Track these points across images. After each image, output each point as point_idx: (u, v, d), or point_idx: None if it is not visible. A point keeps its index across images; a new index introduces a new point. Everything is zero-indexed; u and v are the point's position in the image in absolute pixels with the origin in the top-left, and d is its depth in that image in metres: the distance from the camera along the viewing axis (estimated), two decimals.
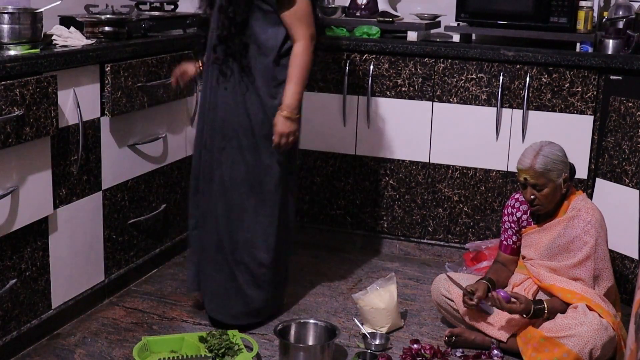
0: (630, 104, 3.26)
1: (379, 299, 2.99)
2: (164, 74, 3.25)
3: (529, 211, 2.93)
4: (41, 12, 2.79)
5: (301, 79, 2.81)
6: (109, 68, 2.95)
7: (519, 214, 2.96)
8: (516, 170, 2.84)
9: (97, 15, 3.16)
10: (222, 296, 2.98)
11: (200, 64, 3.04)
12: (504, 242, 3.02)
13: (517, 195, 3.00)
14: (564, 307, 2.75)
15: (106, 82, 2.96)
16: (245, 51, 2.81)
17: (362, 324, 2.99)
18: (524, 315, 2.73)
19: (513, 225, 2.98)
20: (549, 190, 2.77)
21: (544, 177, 2.75)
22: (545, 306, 2.73)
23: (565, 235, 2.80)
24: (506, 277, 2.98)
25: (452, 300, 2.94)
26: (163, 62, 3.28)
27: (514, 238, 2.99)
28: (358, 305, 3.02)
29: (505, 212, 3.01)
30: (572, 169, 2.86)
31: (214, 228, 2.95)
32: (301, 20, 2.79)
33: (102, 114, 3.03)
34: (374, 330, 2.96)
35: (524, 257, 2.95)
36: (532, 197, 2.80)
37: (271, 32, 2.82)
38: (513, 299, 2.72)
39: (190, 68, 3.10)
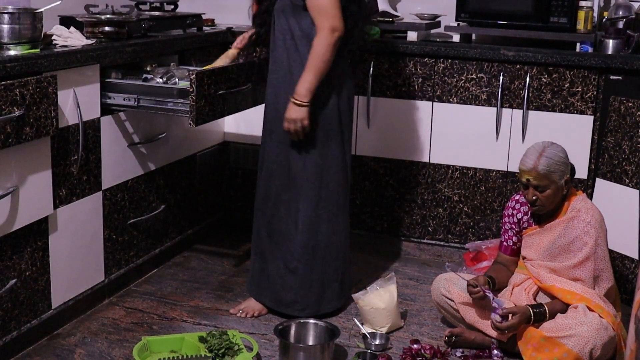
0: (630, 104, 3.26)
1: (379, 299, 2.99)
2: (242, 81, 3.18)
3: (529, 212, 2.93)
4: (41, 12, 2.79)
5: (315, 68, 2.83)
6: (193, 76, 2.79)
7: (519, 215, 2.96)
8: (517, 171, 2.84)
9: (97, 15, 3.15)
10: (257, 280, 3.13)
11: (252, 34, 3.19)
12: (504, 242, 3.02)
13: (517, 197, 2.99)
14: (565, 309, 2.75)
15: (191, 90, 2.83)
16: (265, 63, 2.97)
17: (362, 324, 2.98)
18: (527, 322, 2.73)
19: (514, 227, 2.98)
20: (552, 191, 2.77)
21: (547, 178, 2.75)
22: (547, 309, 2.73)
23: (565, 235, 2.81)
24: (506, 277, 2.98)
25: (452, 300, 2.94)
26: (241, 69, 3.21)
27: (515, 239, 2.99)
28: (358, 305, 3.02)
29: (506, 214, 3.01)
30: (572, 169, 2.87)
31: (257, 217, 3.10)
32: (321, 12, 2.82)
33: (102, 114, 3.04)
34: (374, 330, 2.96)
35: (524, 258, 2.95)
36: (534, 198, 2.79)
37: (305, 26, 2.88)
38: (508, 316, 2.72)
39: (245, 36, 3.23)
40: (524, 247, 2.95)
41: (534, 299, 2.86)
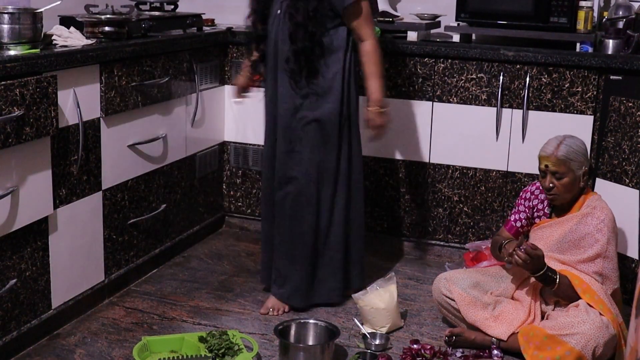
0: (630, 104, 3.26)
1: (379, 299, 2.99)
2: (158, 73, 3.25)
3: (545, 202, 2.96)
4: (41, 12, 2.79)
5: (380, 73, 3.05)
6: (101, 67, 2.92)
7: (535, 202, 3.00)
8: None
9: (97, 15, 3.15)
10: (306, 289, 3.14)
11: (257, 76, 3.20)
12: (512, 222, 3.05)
13: (537, 183, 3.03)
14: (571, 291, 2.75)
15: (100, 82, 2.96)
16: (314, 58, 2.96)
17: (362, 324, 2.98)
18: (534, 274, 2.73)
19: (527, 210, 3.02)
20: (568, 180, 2.82)
21: (565, 165, 2.80)
22: (558, 277, 2.73)
23: (577, 231, 2.82)
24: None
25: (453, 300, 2.94)
26: (157, 61, 3.29)
27: (523, 222, 3.03)
28: (358, 305, 3.02)
29: (523, 196, 3.05)
30: (590, 167, 2.92)
31: (299, 225, 3.09)
32: (367, 21, 2.99)
33: (102, 113, 3.04)
34: (374, 330, 2.96)
35: None
36: (550, 185, 2.84)
37: (333, 33, 2.97)
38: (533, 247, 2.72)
39: (241, 81, 3.29)
40: (534, 239, 2.96)
41: (540, 294, 2.87)
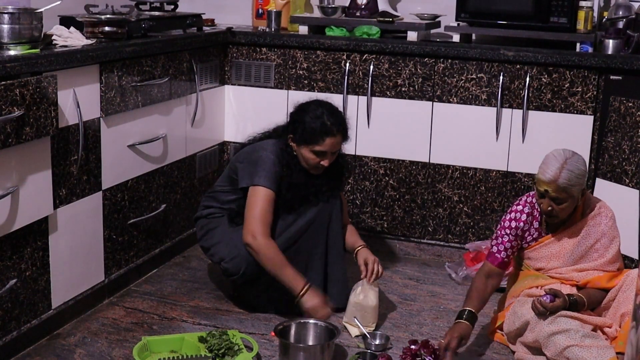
0: (630, 104, 3.26)
1: (373, 296, 2.99)
2: (158, 73, 3.26)
3: (536, 221, 2.87)
4: (41, 12, 2.79)
5: None
6: (101, 67, 2.93)
7: (527, 227, 2.87)
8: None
9: (97, 15, 3.15)
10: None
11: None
12: (495, 253, 2.88)
13: (523, 203, 2.89)
14: (602, 295, 2.78)
15: (100, 82, 2.97)
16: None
17: (361, 323, 2.97)
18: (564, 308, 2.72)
19: (511, 237, 2.86)
20: (568, 204, 2.73)
21: (566, 192, 2.69)
22: (583, 298, 2.73)
23: (591, 234, 2.82)
24: (489, 294, 2.86)
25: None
26: (157, 61, 3.29)
27: (509, 252, 2.87)
28: (353, 300, 2.99)
29: (508, 226, 2.88)
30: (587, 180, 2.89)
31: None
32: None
33: (102, 113, 3.04)
34: (369, 330, 2.96)
35: (540, 269, 2.89)
36: (549, 208, 2.74)
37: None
38: (556, 298, 2.68)
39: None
40: (538, 259, 2.88)
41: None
